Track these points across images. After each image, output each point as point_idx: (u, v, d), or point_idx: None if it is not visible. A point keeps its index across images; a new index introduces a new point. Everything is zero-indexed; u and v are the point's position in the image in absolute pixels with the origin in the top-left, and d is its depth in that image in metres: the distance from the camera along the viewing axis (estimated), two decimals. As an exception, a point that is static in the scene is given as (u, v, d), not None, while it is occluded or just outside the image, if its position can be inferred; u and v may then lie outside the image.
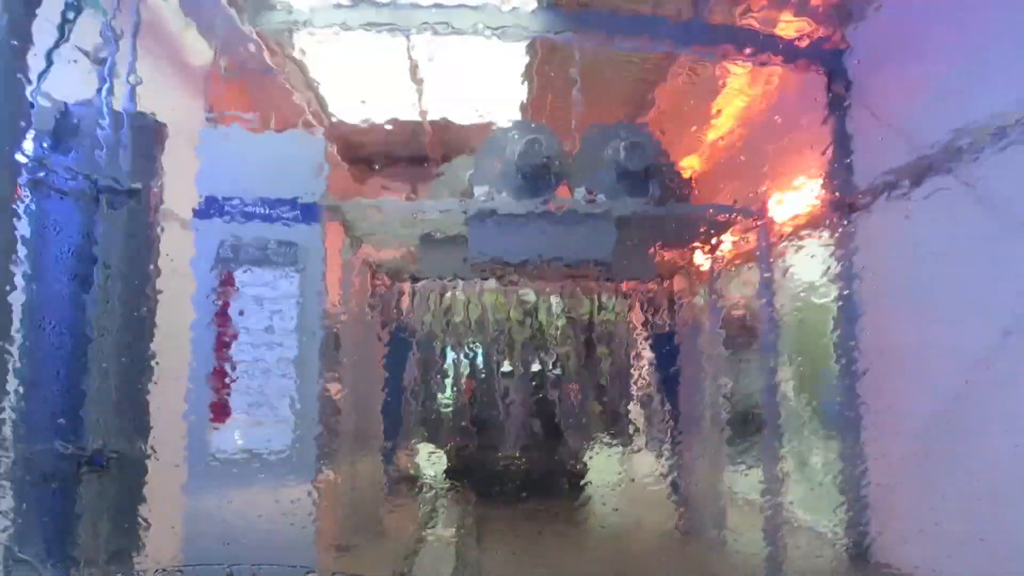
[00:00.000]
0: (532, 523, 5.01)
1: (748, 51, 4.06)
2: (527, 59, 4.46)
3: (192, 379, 3.27)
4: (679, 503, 4.73)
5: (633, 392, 5.74)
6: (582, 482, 5.44)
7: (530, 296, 5.91)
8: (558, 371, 6.04)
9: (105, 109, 2.50)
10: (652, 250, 4.42)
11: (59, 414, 2.33)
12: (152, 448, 2.53)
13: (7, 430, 2.16)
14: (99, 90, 2.50)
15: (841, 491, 3.83)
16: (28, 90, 2.00)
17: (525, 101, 4.64)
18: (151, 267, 2.71)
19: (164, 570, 1.94)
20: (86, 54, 2.44)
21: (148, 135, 2.75)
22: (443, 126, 5.28)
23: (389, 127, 5.09)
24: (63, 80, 2.33)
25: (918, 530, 3.29)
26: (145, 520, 2.31)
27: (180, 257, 3.40)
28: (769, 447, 4.09)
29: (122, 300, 2.50)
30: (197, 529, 3.04)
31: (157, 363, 2.63)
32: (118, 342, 2.44)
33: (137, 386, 2.52)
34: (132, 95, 2.62)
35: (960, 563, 2.93)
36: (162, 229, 2.91)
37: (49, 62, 2.16)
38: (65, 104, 2.48)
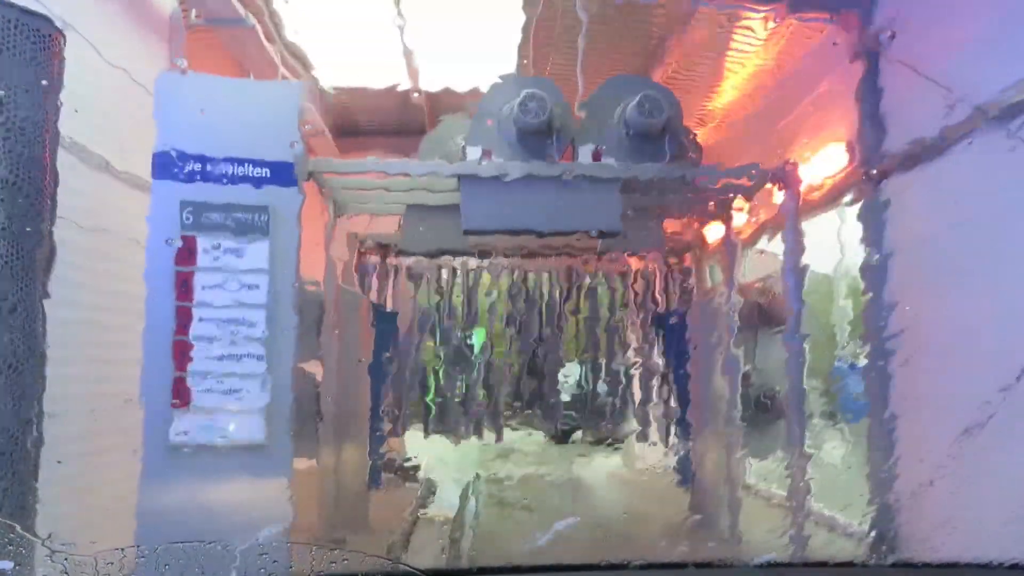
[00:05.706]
0: (530, 513, 4.79)
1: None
2: (528, 11, 4.08)
3: (148, 361, 2.89)
4: (691, 492, 4.47)
5: (642, 375, 5.42)
6: (584, 468, 5.22)
7: (529, 270, 5.54)
8: (560, 352, 5.67)
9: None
10: (664, 219, 4.09)
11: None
12: (43, 440, 2.09)
13: None
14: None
15: (869, 482, 3.56)
16: None
17: (525, 56, 4.26)
18: (43, 220, 2.12)
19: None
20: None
21: (24, 33, 2.12)
22: (435, 86, 4.89)
23: (376, 86, 4.72)
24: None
25: (953, 523, 3.06)
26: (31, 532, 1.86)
27: (135, 221, 3.04)
28: (790, 434, 3.80)
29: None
30: (152, 524, 2.67)
31: (47, 339, 2.15)
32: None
33: (17, 368, 2.05)
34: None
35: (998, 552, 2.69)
36: (50, 153, 2.22)
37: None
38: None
